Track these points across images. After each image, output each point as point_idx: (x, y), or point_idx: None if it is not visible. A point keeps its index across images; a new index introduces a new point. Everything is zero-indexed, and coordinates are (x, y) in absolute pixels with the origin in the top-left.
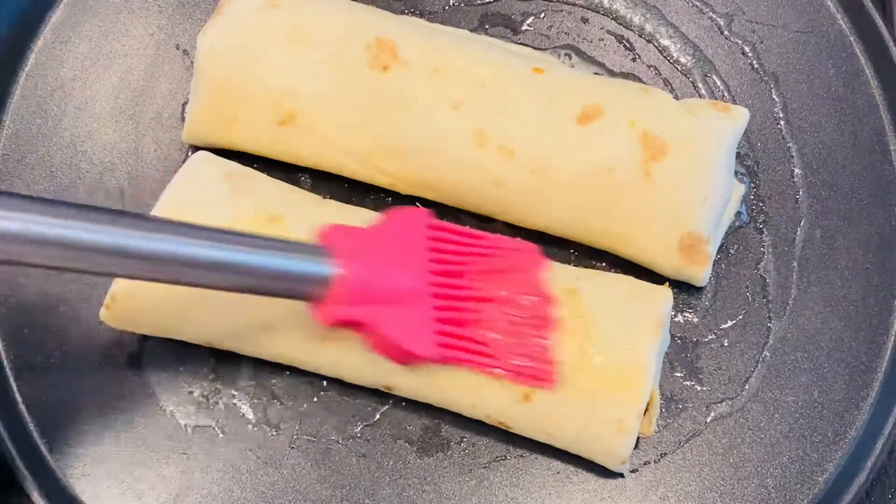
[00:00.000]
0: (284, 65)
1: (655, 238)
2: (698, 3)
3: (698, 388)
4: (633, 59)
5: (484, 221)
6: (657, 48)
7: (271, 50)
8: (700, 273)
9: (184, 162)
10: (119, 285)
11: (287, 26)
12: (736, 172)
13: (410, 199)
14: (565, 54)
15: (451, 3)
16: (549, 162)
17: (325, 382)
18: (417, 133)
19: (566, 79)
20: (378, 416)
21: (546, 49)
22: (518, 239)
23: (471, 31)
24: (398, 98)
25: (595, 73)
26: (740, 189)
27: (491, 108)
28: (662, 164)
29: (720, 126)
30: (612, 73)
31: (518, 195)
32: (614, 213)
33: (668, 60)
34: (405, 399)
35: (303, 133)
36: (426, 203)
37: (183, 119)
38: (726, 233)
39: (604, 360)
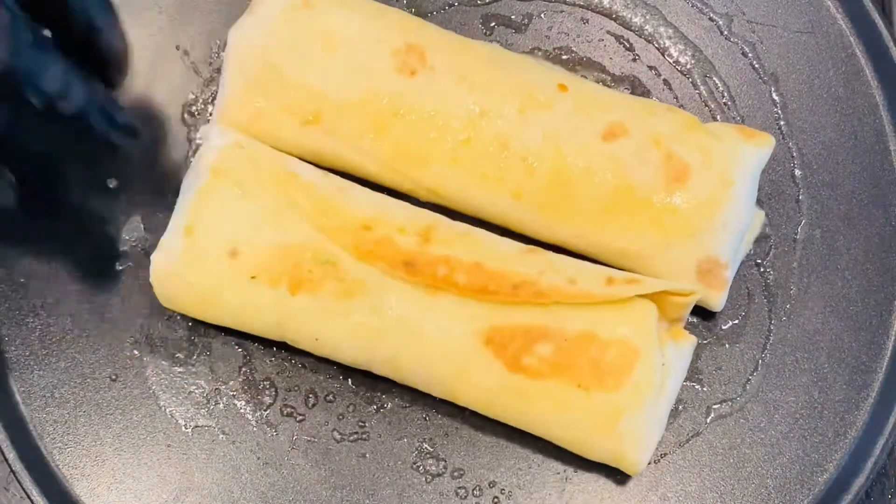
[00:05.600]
0: (313, 65)
1: (673, 260)
2: (698, 4)
3: (698, 388)
4: (633, 60)
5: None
6: (657, 49)
7: (301, 50)
8: (717, 298)
9: (185, 160)
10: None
11: (318, 27)
12: (757, 200)
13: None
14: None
15: (452, 2)
16: (570, 177)
17: (325, 384)
18: (440, 139)
19: (593, 95)
20: (378, 417)
21: (547, 49)
22: None
23: (471, 31)
24: (423, 104)
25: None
26: (761, 216)
27: (516, 119)
28: (684, 186)
29: (745, 152)
30: (612, 75)
31: (536, 209)
32: (633, 233)
33: (668, 61)
34: (405, 400)
35: (326, 134)
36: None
37: (183, 119)
38: None
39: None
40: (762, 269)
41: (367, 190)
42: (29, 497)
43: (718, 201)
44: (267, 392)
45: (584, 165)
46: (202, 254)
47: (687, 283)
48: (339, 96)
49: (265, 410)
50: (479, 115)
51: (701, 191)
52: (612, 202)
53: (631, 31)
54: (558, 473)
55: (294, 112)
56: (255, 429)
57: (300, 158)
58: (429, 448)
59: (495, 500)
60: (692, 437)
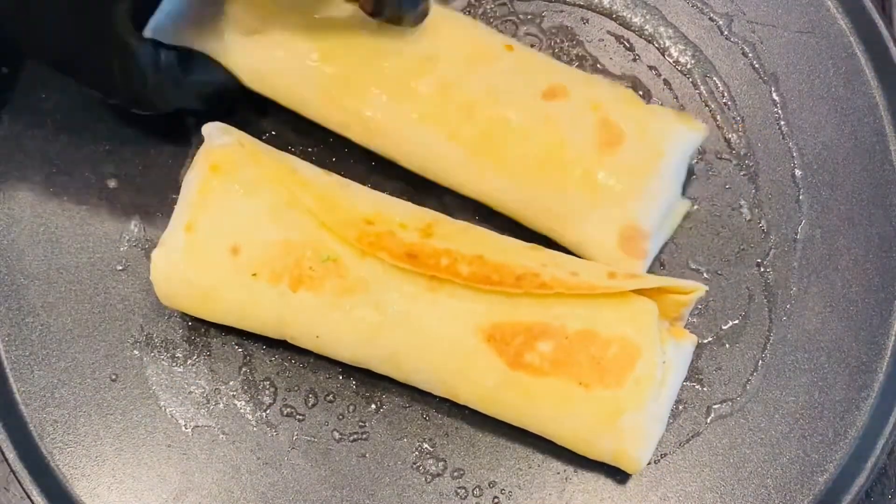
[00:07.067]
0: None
1: (596, 223)
2: (698, 4)
3: (698, 388)
4: (634, 60)
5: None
6: (657, 49)
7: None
8: (636, 267)
9: (185, 160)
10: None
11: None
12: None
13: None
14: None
15: None
16: (506, 128)
17: (325, 384)
18: (383, 72)
19: (538, 58)
20: (378, 417)
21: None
22: None
23: None
24: (374, 38)
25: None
26: (686, 204)
27: (462, 66)
28: (616, 150)
29: (678, 131)
30: (612, 75)
31: (467, 157)
32: (560, 192)
33: (668, 61)
34: (405, 400)
35: (273, 47)
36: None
37: (184, 120)
38: (730, 233)
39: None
40: (762, 269)
41: (367, 188)
42: (29, 497)
43: (647, 171)
44: (267, 392)
45: (521, 119)
46: (203, 251)
47: (606, 248)
48: (289, 11)
49: (265, 410)
50: (426, 59)
51: (631, 158)
52: (544, 158)
53: (631, 31)
54: (558, 473)
55: (241, 20)
56: (255, 429)
57: (243, 72)
58: (429, 448)
59: (495, 500)
60: (692, 437)
